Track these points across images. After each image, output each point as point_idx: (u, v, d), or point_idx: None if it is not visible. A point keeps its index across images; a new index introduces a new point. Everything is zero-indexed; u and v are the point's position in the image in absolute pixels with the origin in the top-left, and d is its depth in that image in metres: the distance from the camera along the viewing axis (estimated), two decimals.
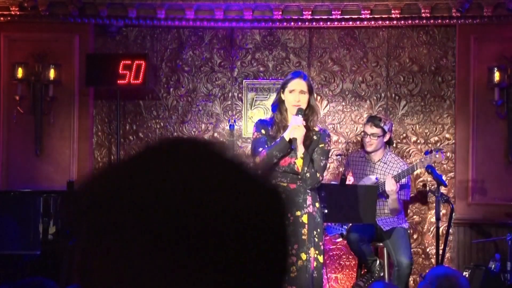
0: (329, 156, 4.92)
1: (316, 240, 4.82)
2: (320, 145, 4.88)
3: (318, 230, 4.85)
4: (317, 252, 4.81)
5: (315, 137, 4.88)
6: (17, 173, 7.21)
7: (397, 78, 7.25)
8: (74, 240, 1.02)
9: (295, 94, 4.85)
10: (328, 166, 7.21)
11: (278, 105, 4.96)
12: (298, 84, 4.87)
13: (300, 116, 4.79)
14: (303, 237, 4.79)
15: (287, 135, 4.77)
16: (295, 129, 4.76)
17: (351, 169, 6.53)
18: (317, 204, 4.88)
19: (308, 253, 4.78)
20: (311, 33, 7.32)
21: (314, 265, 4.80)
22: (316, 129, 4.94)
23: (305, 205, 4.82)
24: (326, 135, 4.95)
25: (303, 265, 4.76)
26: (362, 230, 6.10)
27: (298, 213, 4.81)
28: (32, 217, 6.17)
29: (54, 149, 7.23)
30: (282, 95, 4.94)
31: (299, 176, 4.86)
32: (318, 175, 4.85)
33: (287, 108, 4.92)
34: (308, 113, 4.89)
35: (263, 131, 4.94)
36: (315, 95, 4.98)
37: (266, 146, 4.87)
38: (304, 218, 4.81)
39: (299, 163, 4.81)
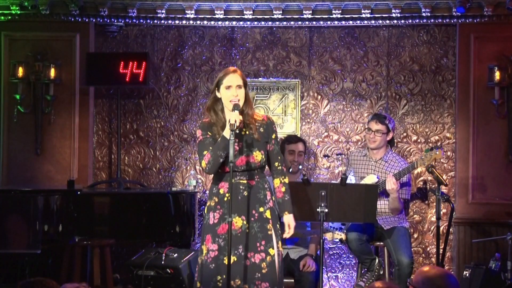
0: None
1: (280, 232, 4.78)
2: (272, 135, 4.79)
3: (279, 222, 4.80)
4: (280, 243, 4.77)
5: (262, 129, 4.74)
6: (18, 172, 7.21)
7: (398, 77, 7.25)
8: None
9: (233, 89, 4.66)
10: (329, 165, 7.23)
11: (213, 105, 4.76)
12: (234, 79, 4.67)
13: (236, 111, 4.61)
14: (269, 232, 4.70)
15: (226, 133, 4.59)
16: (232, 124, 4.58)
17: (352, 168, 6.52)
18: (273, 198, 4.80)
19: (277, 247, 4.71)
20: (312, 32, 7.32)
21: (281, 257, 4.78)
22: (259, 118, 4.78)
23: (266, 200, 4.74)
24: (272, 123, 4.80)
25: (272, 260, 4.67)
26: (361, 229, 6.10)
27: (262, 209, 4.72)
28: (33, 216, 6.16)
29: (54, 148, 7.23)
30: (217, 94, 4.72)
31: (256, 172, 4.73)
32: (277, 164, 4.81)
33: (224, 106, 4.73)
34: (244, 107, 4.71)
35: (209, 133, 4.73)
36: (248, 88, 4.81)
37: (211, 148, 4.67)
38: (268, 214, 4.72)
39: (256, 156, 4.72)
